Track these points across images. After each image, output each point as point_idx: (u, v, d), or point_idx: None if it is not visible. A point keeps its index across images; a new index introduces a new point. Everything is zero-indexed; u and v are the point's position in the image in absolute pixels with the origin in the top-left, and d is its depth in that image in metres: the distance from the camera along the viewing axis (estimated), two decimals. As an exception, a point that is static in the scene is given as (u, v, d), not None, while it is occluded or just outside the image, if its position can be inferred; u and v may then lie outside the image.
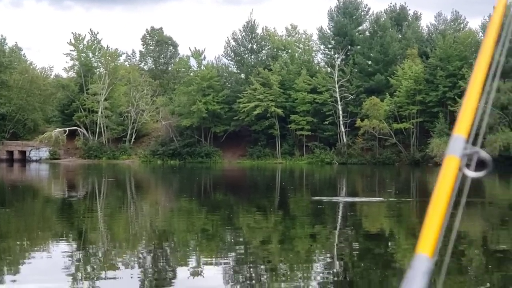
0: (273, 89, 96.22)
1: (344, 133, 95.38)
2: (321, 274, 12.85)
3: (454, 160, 1.86)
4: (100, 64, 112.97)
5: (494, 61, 2.13)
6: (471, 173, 1.90)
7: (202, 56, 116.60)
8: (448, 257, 1.90)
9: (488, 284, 11.84)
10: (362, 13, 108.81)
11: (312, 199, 30.33)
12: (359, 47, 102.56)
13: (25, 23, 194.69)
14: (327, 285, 11.76)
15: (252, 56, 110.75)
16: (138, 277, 12.41)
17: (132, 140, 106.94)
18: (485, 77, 2.13)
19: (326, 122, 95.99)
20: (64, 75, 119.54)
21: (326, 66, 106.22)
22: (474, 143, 1.94)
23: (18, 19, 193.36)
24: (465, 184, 1.93)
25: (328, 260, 14.69)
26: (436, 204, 1.77)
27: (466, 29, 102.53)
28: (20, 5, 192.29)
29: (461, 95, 78.07)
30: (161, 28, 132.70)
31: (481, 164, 1.94)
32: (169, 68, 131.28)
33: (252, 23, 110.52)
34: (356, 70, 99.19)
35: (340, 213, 25.41)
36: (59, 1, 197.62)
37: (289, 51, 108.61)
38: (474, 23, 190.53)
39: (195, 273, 12.77)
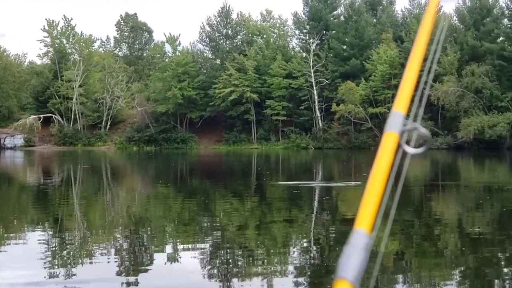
0: (248, 75, 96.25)
1: (319, 118, 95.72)
2: (297, 258, 12.90)
3: (393, 136, 1.87)
4: (74, 51, 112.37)
5: (436, 35, 2.14)
6: (410, 150, 1.91)
7: (177, 42, 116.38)
8: (388, 233, 1.91)
9: (463, 266, 11.95)
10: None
11: (288, 184, 30.35)
12: (334, 31, 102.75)
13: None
14: (304, 268, 11.81)
15: (227, 42, 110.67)
16: (115, 262, 12.38)
17: (108, 126, 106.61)
18: (426, 51, 2.14)
19: (302, 107, 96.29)
20: (38, 61, 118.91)
21: (301, 51, 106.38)
22: (414, 120, 1.94)
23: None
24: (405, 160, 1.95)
25: (305, 243, 14.75)
26: (374, 180, 1.78)
27: (441, 13, 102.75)
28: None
29: (436, 79, 78.44)
30: (135, 14, 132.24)
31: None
32: (144, 54, 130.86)
33: (227, 8, 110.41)
34: (331, 54, 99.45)
35: (316, 198, 25.48)
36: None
37: (264, 36, 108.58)
38: (448, 7, 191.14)
39: (172, 258, 12.77)
